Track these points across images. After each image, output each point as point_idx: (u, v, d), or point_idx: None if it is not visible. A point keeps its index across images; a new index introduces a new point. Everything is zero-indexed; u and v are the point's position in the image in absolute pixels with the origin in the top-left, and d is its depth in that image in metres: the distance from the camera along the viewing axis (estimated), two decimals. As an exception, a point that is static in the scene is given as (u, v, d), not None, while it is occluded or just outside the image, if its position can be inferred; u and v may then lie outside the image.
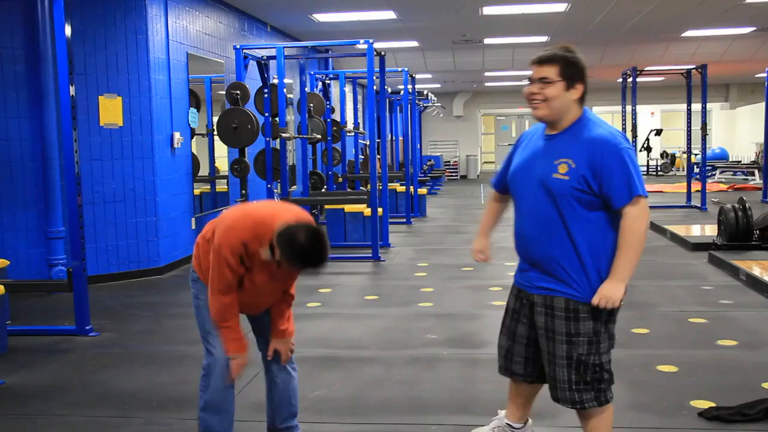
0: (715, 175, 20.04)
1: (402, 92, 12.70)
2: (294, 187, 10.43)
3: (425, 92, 17.53)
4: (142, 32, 6.98)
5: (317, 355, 4.47)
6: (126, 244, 7.04)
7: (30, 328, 5.23)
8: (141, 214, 7.08)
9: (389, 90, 14.62)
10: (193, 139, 8.15)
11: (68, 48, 4.89)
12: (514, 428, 3.01)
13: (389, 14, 10.50)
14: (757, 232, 7.72)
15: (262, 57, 8.51)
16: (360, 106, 17.86)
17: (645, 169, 22.11)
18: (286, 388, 3.06)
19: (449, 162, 24.19)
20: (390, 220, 9.57)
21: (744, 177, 19.62)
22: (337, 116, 12.16)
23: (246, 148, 8.26)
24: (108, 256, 6.96)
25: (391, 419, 3.48)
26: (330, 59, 13.28)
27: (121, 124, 6.96)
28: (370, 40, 7.81)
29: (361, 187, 11.97)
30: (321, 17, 10.71)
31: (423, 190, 12.71)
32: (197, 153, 8.29)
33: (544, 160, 2.62)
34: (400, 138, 14.50)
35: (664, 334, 4.84)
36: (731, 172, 20.45)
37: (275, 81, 8.14)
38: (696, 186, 12.85)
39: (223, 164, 9.06)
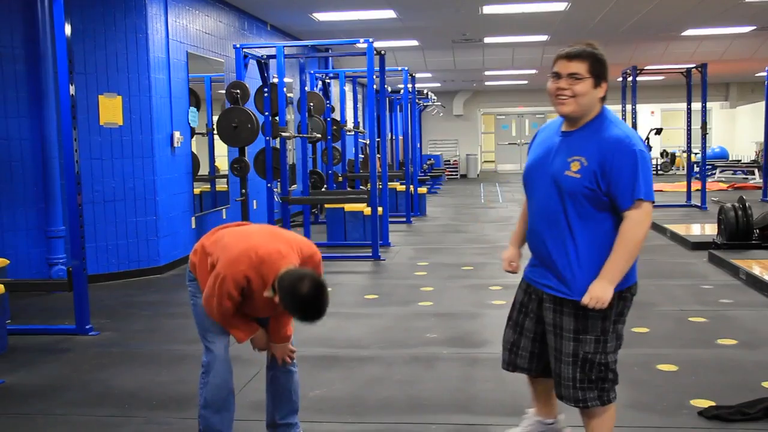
0: (715, 174, 20.04)
1: (402, 91, 12.69)
2: (294, 186, 10.44)
3: (425, 91, 17.52)
4: (142, 31, 6.98)
5: (317, 354, 4.47)
6: (126, 244, 7.04)
7: (30, 327, 5.23)
8: (141, 214, 7.08)
9: (389, 89, 14.64)
10: (193, 139, 8.15)
11: (68, 47, 4.89)
12: (546, 424, 3.00)
13: (389, 13, 10.49)
14: (757, 231, 7.72)
15: (262, 56, 8.51)
16: (360, 105, 17.85)
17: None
18: (287, 383, 3.06)
19: (449, 161, 24.19)
20: (390, 219, 9.56)
21: (744, 176, 19.62)
22: (337, 115, 12.16)
23: (246, 148, 8.26)
24: (108, 256, 6.96)
25: (391, 418, 3.48)
26: (330, 58, 13.28)
27: (121, 124, 6.96)
28: (370, 39, 7.81)
29: (361, 186, 11.98)
30: (321, 16, 10.71)
31: (423, 189, 12.71)
32: (197, 152, 8.28)
33: (558, 157, 2.61)
34: (400, 137, 14.50)
35: (664, 333, 4.84)
36: (731, 171, 20.45)
37: (275, 80, 8.14)
38: (696, 185, 12.84)
39: (223, 163, 9.05)
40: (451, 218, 11.98)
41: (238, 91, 7.97)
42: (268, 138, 8.01)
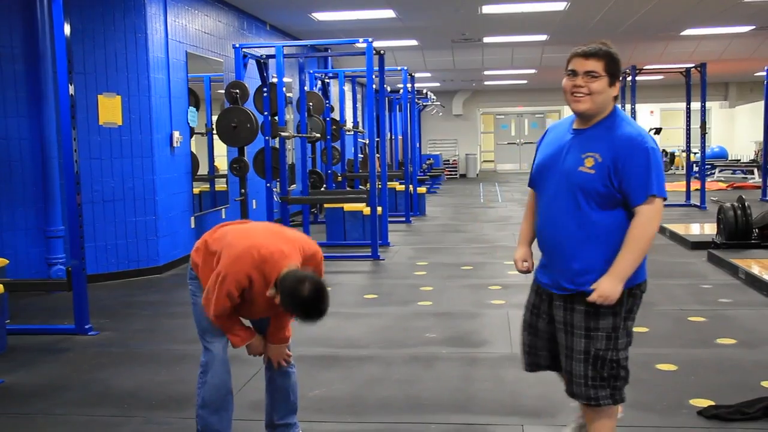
0: (714, 173, 20.03)
1: (401, 91, 12.69)
2: (293, 186, 10.43)
3: (424, 91, 17.52)
4: (142, 31, 6.98)
5: (316, 354, 4.48)
6: (125, 243, 7.04)
7: (29, 327, 5.23)
8: (140, 213, 7.08)
9: (388, 89, 14.62)
10: (193, 138, 8.15)
11: (67, 47, 4.89)
12: None
13: (388, 13, 10.49)
14: (756, 230, 7.72)
15: (261, 56, 8.51)
16: (359, 105, 17.86)
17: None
18: (285, 383, 3.06)
19: (448, 161, 24.18)
20: (389, 219, 9.57)
21: (743, 176, 19.62)
22: (336, 115, 12.15)
23: (245, 147, 8.26)
24: (107, 255, 6.96)
25: (391, 418, 3.48)
26: (329, 58, 13.28)
27: (121, 123, 6.95)
28: (370, 39, 7.81)
29: (360, 186, 11.97)
30: (320, 16, 10.70)
31: (422, 189, 12.71)
32: (196, 152, 8.28)
33: (571, 154, 2.61)
34: (400, 137, 14.50)
35: (664, 333, 4.84)
36: (730, 171, 20.44)
37: (274, 80, 8.14)
38: (695, 184, 12.85)
39: (222, 163, 9.05)
40: (450, 218, 11.98)
41: (238, 90, 7.97)
42: (267, 138, 8.01)
